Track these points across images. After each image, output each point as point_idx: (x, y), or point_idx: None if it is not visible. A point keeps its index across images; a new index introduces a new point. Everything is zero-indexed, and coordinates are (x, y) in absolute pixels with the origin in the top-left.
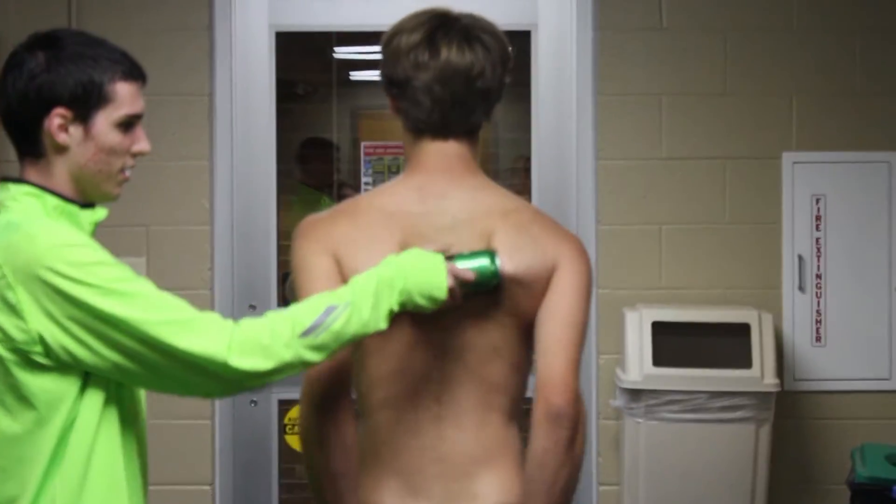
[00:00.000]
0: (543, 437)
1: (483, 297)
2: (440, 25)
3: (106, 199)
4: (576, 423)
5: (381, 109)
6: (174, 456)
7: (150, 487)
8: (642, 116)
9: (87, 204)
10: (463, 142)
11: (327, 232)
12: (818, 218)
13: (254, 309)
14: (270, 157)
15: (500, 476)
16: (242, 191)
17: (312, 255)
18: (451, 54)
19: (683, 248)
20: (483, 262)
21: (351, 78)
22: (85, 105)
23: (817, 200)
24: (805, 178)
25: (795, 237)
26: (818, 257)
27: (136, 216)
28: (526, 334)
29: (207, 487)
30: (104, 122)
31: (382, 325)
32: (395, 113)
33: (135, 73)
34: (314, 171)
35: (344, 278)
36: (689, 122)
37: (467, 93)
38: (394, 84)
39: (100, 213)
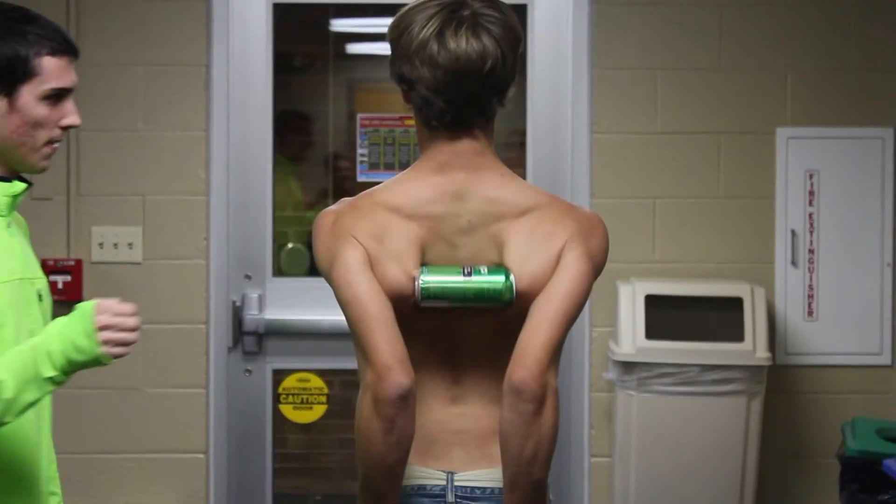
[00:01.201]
0: (506, 409)
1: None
2: (448, 18)
3: (32, 170)
4: (540, 397)
5: (378, 82)
6: (168, 424)
7: (145, 455)
8: (638, 91)
9: (14, 177)
10: (478, 135)
11: (353, 230)
12: (811, 193)
13: (249, 279)
14: (267, 129)
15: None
16: (238, 161)
17: (349, 249)
18: (461, 50)
19: (677, 222)
20: (498, 281)
21: (347, 51)
22: (9, 78)
23: (811, 176)
24: (799, 153)
25: (789, 212)
26: (811, 232)
27: (133, 186)
28: None
29: (201, 456)
30: (29, 95)
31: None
32: (406, 103)
33: (64, 48)
34: (290, 142)
35: None
36: (684, 97)
37: (481, 89)
38: (404, 81)
39: (17, 186)
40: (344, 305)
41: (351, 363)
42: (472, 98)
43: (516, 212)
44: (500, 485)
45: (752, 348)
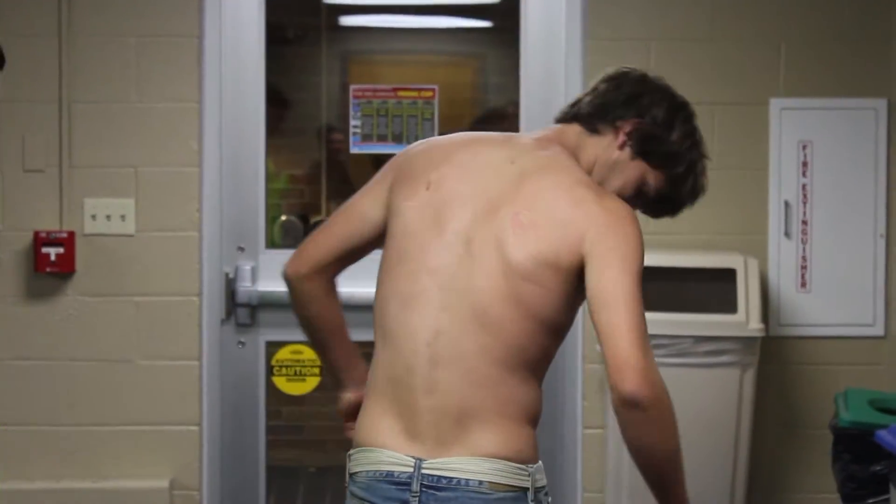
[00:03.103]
0: (620, 422)
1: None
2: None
3: None
4: (649, 402)
5: (371, 54)
6: (162, 397)
7: (138, 427)
8: (631, 61)
9: None
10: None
11: (397, 159)
12: (805, 164)
13: (242, 251)
14: (259, 100)
15: (495, 429)
16: (231, 133)
17: (381, 173)
18: None
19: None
20: None
21: (340, 23)
22: None
23: (804, 147)
24: (792, 124)
25: (782, 183)
26: (804, 203)
27: (125, 157)
28: (568, 298)
29: (195, 428)
30: None
31: None
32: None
33: None
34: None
35: (387, 207)
36: (678, 68)
37: None
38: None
39: None
40: None
41: None
42: None
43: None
44: (473, 476)
45: (746, 320)
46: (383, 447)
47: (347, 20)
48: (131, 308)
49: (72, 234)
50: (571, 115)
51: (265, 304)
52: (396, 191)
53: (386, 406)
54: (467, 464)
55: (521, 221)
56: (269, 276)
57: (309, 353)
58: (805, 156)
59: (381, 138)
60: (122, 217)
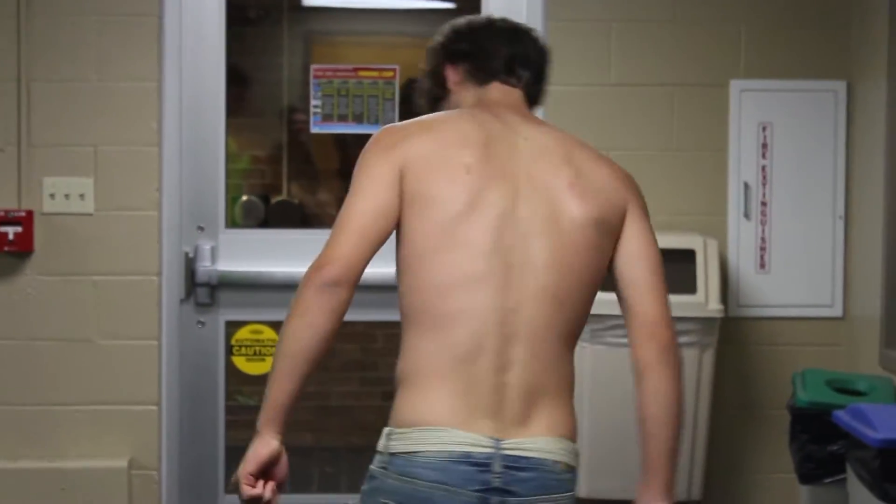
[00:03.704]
0: (662, 372)
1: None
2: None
3: None
4: (679, 355)
5: (334, 35)
6: (121, 376)
7: (97, 407)
8: (592, 42)
9: None
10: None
11: (397, 145)
12: (764, 146)
13: (202, 230)
14: (220, 80)
15: (559, 407)
16: (191, 113)
17: (379, 163)
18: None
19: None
20: None
21: (303, 3)
22: None
23: (764, 128)
24: (752, 105)
25: (742, 164)
26: (764, 185)
27: (84, 137)
28: (599, 275)
29: (154, 407)
30: None
31: None
32: (456, 81)
33: None
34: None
35: (407, 195)
36: (639, 49)
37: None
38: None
39: None
40: None
41: None
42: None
43: (575, 140)
44: (550, 456)
45: (705, 300)
46: (455, 427)
47: (310, 0)
48: (90, 287)
49: (30, 213)
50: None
51: (225, 283)
52: (423, 178)
53: (450, 387)
54: (545, 443)
55: (577, 192)
56: (228, 255)
57: (269, 333)
58: (765, 137)
59: (342, 118)
60: (81, 196)
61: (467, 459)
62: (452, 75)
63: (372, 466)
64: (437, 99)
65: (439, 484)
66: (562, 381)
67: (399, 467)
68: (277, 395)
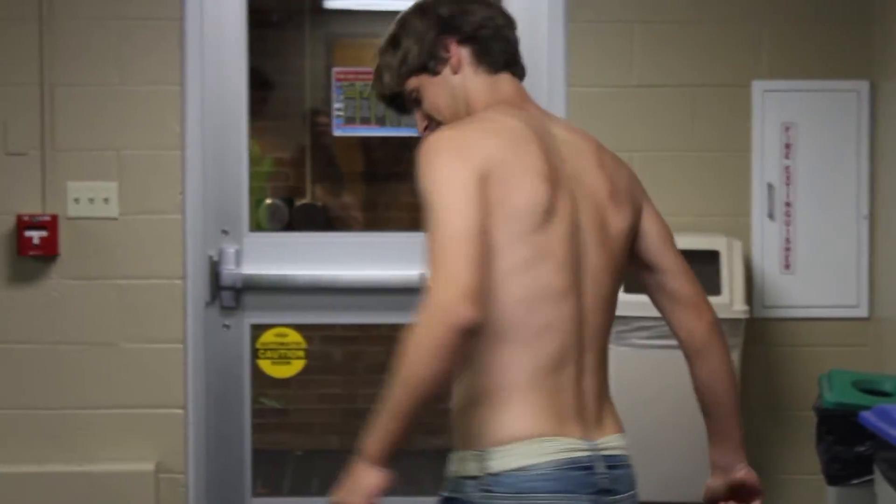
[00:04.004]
0: (718, 348)
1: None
2: None
3: None
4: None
5: (356, 38)
6: (146, 380)
7: (123, 411)
8: (614, 43)
9: None
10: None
11: (473, 147)
12: (788, 146)
13: (226, 234)
14: (242, 83)
15: (613, 407)
16: (214, 116)
17: (460, 171)
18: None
19: (654, 176)
20: None
21: (325, 6)
22: None
23: (787, 129)
24: (775, 106)
25: (765, 165)
26: (787, 185)
27: (107, 140)
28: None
29: (180, 411)
30: None
31: None
32: (457, 59)
33: None
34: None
35: (489, 204)
36: (661, 50)
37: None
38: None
39: None
40: None
41: (327, 318)
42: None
43: (594, 139)
44: (627, 452)
45: (730, 301)
46: (555, 435)
47: (332, 2)
48: (115, 291)
49: (55, 218)
50: (503, 65)
51: (249, 286)
52: (504, 186)
53: (542, 398)
54: (620, 440)
55: (615, 201)
56: (252, 258)
57: (294, 336)
58: (788, 138)
59: (365, 121)
60: (106, 200)
61: (577, 465)
62: (457, 52)
63: (462, 496)
64: (412, 74)
65: (559, 493)
66: (607, 381)
67: (510, 486)
68: (401, 435)
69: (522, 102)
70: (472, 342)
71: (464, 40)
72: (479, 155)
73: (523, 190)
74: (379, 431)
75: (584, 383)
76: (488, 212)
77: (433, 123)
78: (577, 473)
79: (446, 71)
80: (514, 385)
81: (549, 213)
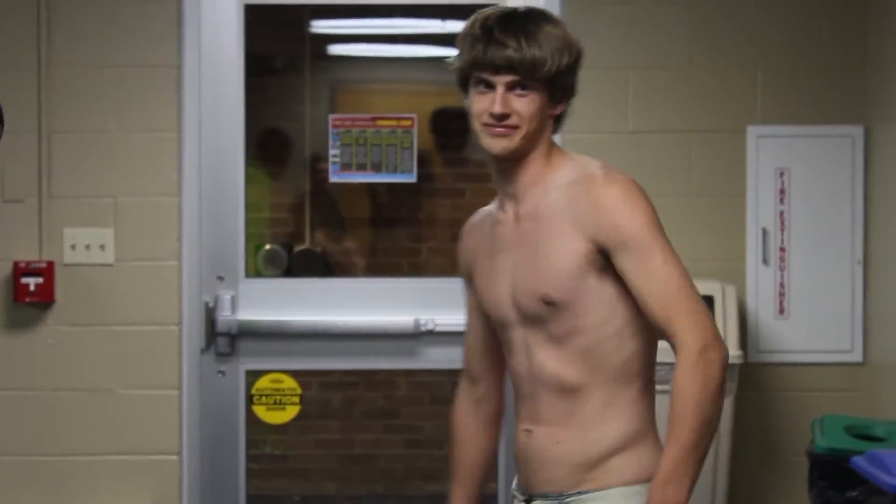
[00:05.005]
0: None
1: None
2: None
3: None
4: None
5: (358, 84)
6: (141, 426)
7: (118, 457)
8: (609, 90)
9: None
10: None
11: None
12: (782, 191)
13: (222, 280)
14: (239, 130)
15: None
16: (210, 163)
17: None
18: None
19: None
20: None
21: (328, 52)
22: None
23: (781, 174)
24: (770, 151)
25: (760, 210)
26: (782, 230)
27: (104, 187)
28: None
29: (174, 457)
30: None
31: None
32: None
33: None
34: (270, 157)
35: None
36: (655, 96)
37: None
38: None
39: None
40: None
41: (324, 363)
42: None
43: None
44: None
45: None
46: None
47: (336, 49)
48: (111, 338)
49: (51, 264)
50: None
51: (245, 333)
52: None
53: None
54: None
55: None
56: (248, 304)
57: (289, 382)
58: (782, 183)
59: (361, 167)
60: (102, 247)
61: None
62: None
63: None
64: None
65: None
66: None
67: None
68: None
69: None
70: None
71: (567, 94)
72: None
73: None
74: (690, 478)
75: None
76: None
77: (509, 129)
78: None
79: (560, 108)
80: (650, 426)
81: None
